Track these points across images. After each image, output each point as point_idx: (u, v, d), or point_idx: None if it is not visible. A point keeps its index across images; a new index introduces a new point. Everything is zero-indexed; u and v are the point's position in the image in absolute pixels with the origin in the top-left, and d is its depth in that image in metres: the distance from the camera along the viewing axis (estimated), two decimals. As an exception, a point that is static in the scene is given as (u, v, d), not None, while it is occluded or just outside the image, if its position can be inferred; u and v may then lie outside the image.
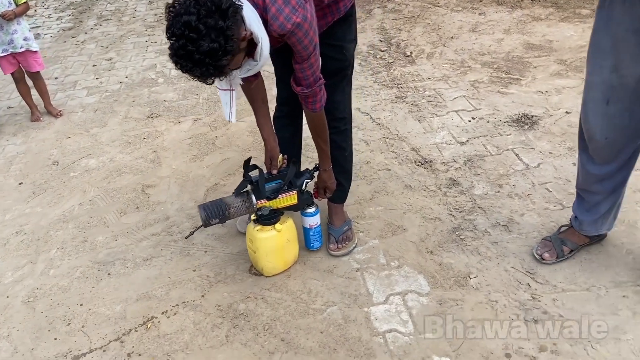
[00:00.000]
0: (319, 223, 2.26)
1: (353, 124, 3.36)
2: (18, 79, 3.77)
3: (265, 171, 2.12)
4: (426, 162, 2.86)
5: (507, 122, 3.16)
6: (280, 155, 2.16)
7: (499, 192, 2.57)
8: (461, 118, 3.26)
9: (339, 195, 2.39)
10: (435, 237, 2.34)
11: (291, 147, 2.44)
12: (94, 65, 4.78)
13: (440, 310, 1.99)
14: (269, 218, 2.09)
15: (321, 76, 1.87)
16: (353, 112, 3.55)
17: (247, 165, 2.05)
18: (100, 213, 2.74)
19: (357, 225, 2.46)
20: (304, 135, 2.43)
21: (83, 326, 2.09)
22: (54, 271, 2.39)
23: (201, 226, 2.02)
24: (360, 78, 3.97)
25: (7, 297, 2.27)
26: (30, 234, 2.64)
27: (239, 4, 1.54)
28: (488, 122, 3.19)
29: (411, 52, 4.30)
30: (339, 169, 2.34)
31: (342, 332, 1.94)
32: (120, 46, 5.24)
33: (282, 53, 1.93)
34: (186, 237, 2.21)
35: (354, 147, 3.11)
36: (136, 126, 3.61)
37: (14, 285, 2.33)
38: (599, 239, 2.18)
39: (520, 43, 4.19)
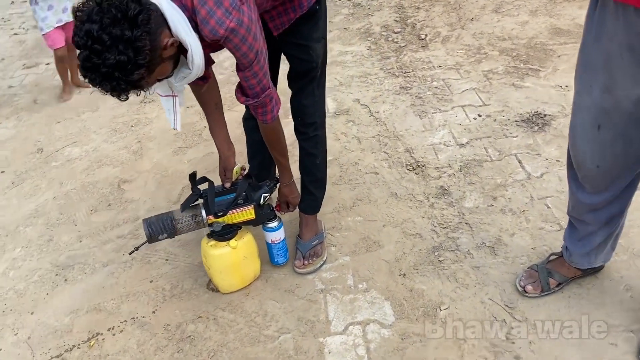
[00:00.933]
0: (282, 238, 2.08)
1: (348, 118, 3.17)
2: (64, 57, 3.57)
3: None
4: (418, 166, 2.62)
5: (516, 121, 2.86)
6: (238, 166, 1.98)
7: (491, 205, 2.32)
8: (466, 115, 2.98)
9: (311, 205, 2.20)
10: (411, 257, 2.12)
11: (262, 150, 2.23)
12: (99, 43, 4.65)
13: (400, 346, 1.79)
14: (223, 233, 1.93)
15: (270, 85, 1.66)
16: (351, 104, 3.35)
17: (194, 179, 1.88)
18: (72, 209, 2.64)
19: (330, 237, 2.27)
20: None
21: (29, 337, 2.01)
22: (13, 273, 2.31)
23: (145, 242, 1.87)
24: (366, 64, 3.70)
25: (-36, 299, 2.21)
26: (1, 230, 2.57)
27: (153, 8, 1.34)
28: (495, 120, 2.89)
29: (426, 35, 3.98)
30: (310, 177, 2.15)
31: (290, 365, 1.78)
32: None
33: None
34: (130, 254, 2.08)
35: (345, 144, 2.91)
36: (127, 112, 3.48)
37: (-27, 286, 2.27)
38: (593, 271, 1.92)
39: (545, 27, 3.80)
